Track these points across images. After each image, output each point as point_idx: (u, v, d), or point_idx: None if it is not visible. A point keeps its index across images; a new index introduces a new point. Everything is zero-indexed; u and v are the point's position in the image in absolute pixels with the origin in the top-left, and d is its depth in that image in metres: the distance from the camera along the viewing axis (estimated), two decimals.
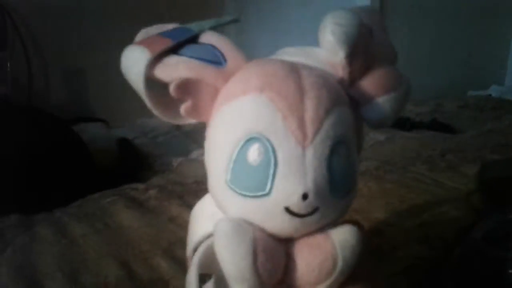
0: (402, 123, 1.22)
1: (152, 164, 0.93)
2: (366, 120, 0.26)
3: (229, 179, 0.23)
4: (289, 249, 0.24)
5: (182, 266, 0.44)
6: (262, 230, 0.23)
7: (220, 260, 0.22)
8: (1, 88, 1.37)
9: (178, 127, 1.28)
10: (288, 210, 0.22)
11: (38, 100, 1.52)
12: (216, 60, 0.25)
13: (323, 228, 0.24)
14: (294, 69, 0.24)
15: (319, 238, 0.24)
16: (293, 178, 0.22)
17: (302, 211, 0.22)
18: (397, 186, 0.74)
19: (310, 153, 0.22)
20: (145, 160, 0.96)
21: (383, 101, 0.25)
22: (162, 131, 1.23)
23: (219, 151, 0.24)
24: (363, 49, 0.25)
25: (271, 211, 0.22)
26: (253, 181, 0.22)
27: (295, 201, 0.22)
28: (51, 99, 1.63)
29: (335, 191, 0.23)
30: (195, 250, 0.27)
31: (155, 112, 0.26)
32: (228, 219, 0.23)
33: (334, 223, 0.24)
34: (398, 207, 0.65)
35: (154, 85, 0.25)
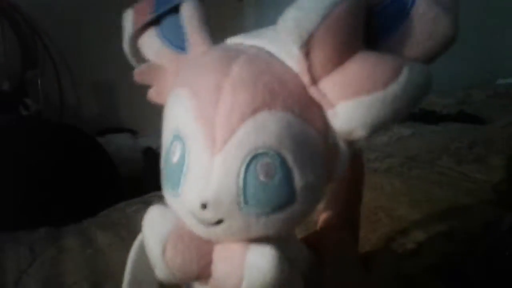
0: (428, 117, 1.20)
1: None
2: (335, 127, 0.20)
3: (162, 173, 0.23)
4: (214, 249, 0.23)
5: None
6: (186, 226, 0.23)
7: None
8: (33, 105, 1.42)
9: None
10: (193, 214, 0.21)
11: (69, 114, 1.57)
12: (181, 44, 0.24)
13: (251, 240, 0.21)
14: (228, 63, 0.21)
15: (235, 249, 0.21)
16: (196, 185, 0.20)
17: (205, 219, 0.21)
18: (423, 182, 0.72)
19: (218, 162, 0.20)
20: None
21: (350, 106, 0.19)
22: None
23: (162, 143, 0.24)
24: (334, 38, 0.18)
25: (183, 212, 0.22)
26: (172, 178, 0.22)
27: (195, 208, 0.20)
28: (81, 112, 1.68)
29: (247, 206, 0.20)
30: None
31: (136, 78, 0.26)
32: (156, 207, 0.24)
33: (269, 239, 0.21)
34: (423, 203, 0.64)
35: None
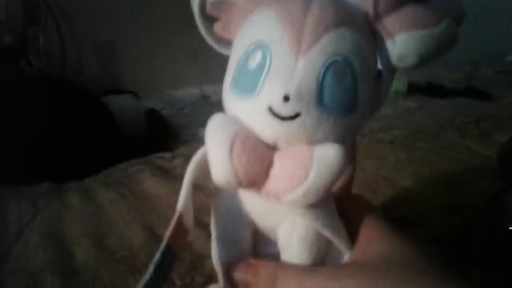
0: (435, 90, 1.18)
1: (179, 135, 0.94)
2: (388, 57, 0.25)
3: (233, 82, 0.25)
4: (275, 156, 0.24)
5: (206, 230, 0.45)
6: (250, 130, 0.25)
7: (207, 149, 0.24)
8: (35, 62, 1.40)
9: (205, 98, 1.28)
10: (271, 110, 0.23)
11: (71, 73, 1.56)
12: None
13: (315, 143, 0.24)
14: None
15: (301, 148, 0.24)
16: (280, 81, 0.23)
17: (283, 113, 0.23)
18: (427, 154, 0.72)
19: (301, 63, 0.23)
20: (172, 130, 0.97)
21: (407, 37, 0.24)
22: (189, 102, 1.24)
23: (232, 57, 0.26)
24: None
25: (257, 111, 0.24)
26: (249, 83, 0.24)
27: (276, 101, 0.23)
28: (83, 72, 1.67)
29: (323, 104, 0.23)
30: None
31: (206, 38, 0.29)
32: (221, 114, 0.26)
33: (320, 139, 0.24)
34: (427, 175, 0.64)
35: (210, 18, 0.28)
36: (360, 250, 0.27)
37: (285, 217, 0.27)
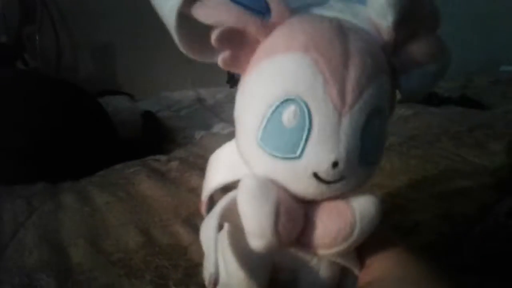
0: (430, 99, 1.19)
1: (174, 137, 0.94)
2: (402, 90, 0.25)
3: (260, 138, 0.22)
4: (309, 210, 0.24)
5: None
6: (286, 191, 0.23)
7: (242, 215, 0.22)
8: (30, 61, 1.39)
9: (201, 101, 1.29)
10: (316, 175, 0.22)
11: (66, 73, 1.55)
12: (259, 9, 0.23)
13: (344, 194, 0.24)
14: (342, 31, 0.22)
15: (340, 204, 0.23)
16: (326, 145, 0.21)
17: (330, 178, 0.22)
18: (422, 162, 0.72)
19: (346, 121, 0.21)
20: (168, 133, 0.97)
21: (424, 72, 0.24)
22: (185, 104, 1.24)
23: (253, 108, 0.23)
24: (411, 14, 0.23)
25: (299, 175, 0.22)
26: (285, 143, 0.22)
27: (325, 168, 0.21)
28: (78, 72, 1.66)
29: (363, 161, 0.22)
30: (211, 196, 0.28)
31: (181, 48, 0.24)
32: (254, 176, 0.23)
33: (353, 190, 0.24)
34: (421, 183, 0.64)
35: (184, 20, 0.23)
36: (369, 271, 0.27)
37: (312, 259, 0.26)
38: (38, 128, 0.68)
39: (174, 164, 0.71)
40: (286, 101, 0.21)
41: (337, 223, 0.23)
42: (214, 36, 0.22)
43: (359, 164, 0.22)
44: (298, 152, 0.22)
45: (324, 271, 0.26)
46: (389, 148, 0.80)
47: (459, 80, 1.44)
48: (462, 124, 0.95)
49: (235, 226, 0.25)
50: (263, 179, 0.23)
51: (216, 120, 1.02)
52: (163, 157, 0.75)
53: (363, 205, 0.23)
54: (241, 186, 0.23)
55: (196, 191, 0.59)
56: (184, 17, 0.23)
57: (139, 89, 1.52)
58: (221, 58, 0.23)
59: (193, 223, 0.50)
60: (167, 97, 1.32)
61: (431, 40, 0.24)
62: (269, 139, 0.22)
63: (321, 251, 0.24)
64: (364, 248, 0.27)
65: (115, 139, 0.82)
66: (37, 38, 1.46)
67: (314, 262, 0.26)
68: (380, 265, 0.26)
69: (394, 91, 0.25)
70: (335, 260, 0.26)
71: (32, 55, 1.41)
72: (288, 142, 0.22)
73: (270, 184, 0.23)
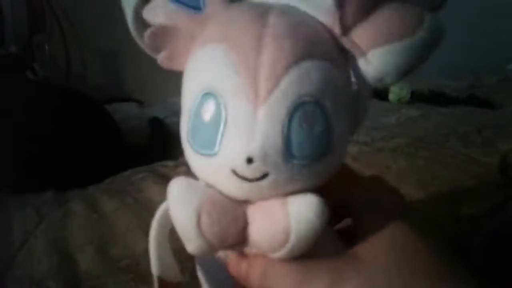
0: (438, 99, 1.19)
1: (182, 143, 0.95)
2: (363, 76, 0.22)
3: (188, 135, 0.22)
4: (247, 210, 0.22)
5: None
6: (217, 190, 0.22)
7: (172, 220, 0.22)
8: (40, 71, 1.41)
9: None
10: (235, 172, 0.20)
11: (76, 82, 1.57)
12: (195, 4, 0.23)
13: (288, 194, 0.21)
14: (262, 16, 0.21)
15: (274, 205, 0.21)
16: (240, 140, 0.20)
17: (249, 176, 0.20)
18: (429, 162, 0.72)
19: (262, 114, 0.19)
20: (175, 139, 0.97)
21: (382, 52, 0.20)
22: None
23: (184, 105, 0.23)
24: None
25: (219, 172, 0.21)
26: (205, 138, 0.21)
27: (239, 164, 0.20)
28: (88, 80, 1.68)
29: (292, 158, 0.20)
30: None
31: (139, 42, 0.24)
32: (181, 178, 0.22)
33: (303, 191, 0.22)
34: (429, 184, 0.64)
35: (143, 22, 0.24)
36: (363, 245, 0.23)
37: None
38: (47, 136, 0.69)
39: (181, 169, 0.72)
40: (205, 95, 0.21)
41: (270, 227, 0.21)
42: (145, 36, 0.23)
43: (284, 161, 0.20)
44: (216, 149, 0.20)
45: None
46: (397, 149, 0.80)
47: (467, 80, 1.43)
48: (470, 124, 0.94)
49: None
50: (189, 180, 0.22)
51: None
52: (170, 163, 0.76)
53: (300, 208, 0.21)
54: (168, 187, 0.22)
55: None
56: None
57: (147, 96, 1.53)
58: (159, 58, 0.24)
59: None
60: (174, 103, 1.32)
61: (392, 14, 0.20)
62: (194, 135, 0.22)
63: (268, 254, 0.22)
64: (361, 220, 0.25)
65: (122, 146, 0.83)
66: (46, 47, 1.48)
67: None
68: (384, 243, 0.23)
69: (357, 78, 0.22)
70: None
71: (41, 65, 1.43)
72: (207, 138, 0.21)
73: (197, 185, 0.22)
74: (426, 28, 0.20)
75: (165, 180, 0.67)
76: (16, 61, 1.31)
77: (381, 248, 0.23)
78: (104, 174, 0.72)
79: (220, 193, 0.22)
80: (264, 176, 0.20)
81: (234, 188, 0.21)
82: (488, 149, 0.79)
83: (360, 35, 0.21)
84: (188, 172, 0.68)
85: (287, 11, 0.21)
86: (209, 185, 0.22)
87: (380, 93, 1.26)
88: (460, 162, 0.73)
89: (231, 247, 0.22)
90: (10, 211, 0.56)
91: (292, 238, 0.20)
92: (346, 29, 0.21)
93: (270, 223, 0.21)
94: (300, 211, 0.21)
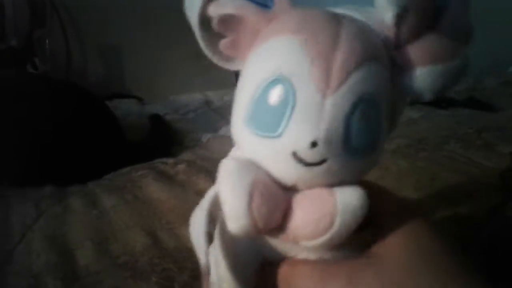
0: (438, 101, 1.19)
1: (182, 140, 0.95)
2: (404, 89, 0.24)
3: (246, 117, 0.23)
4: (291, 198, 0.23)
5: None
6: (268, 174, 0.23)
7: (220, 197, 0.22)
8: (40, 65, 1.41)
9: (208, 104, 1.29)
10: (295, 155, 0.22)
11: (76, 77, 1.56)
12: (264, 3, 0.25)
13: (331, 186, 0.23)
14: (335, 18, 0.23)
15: (322, 193, 0.23)
16: (307, 124, 0.21)
17: (309, 159, 0.22)
18: (429, 164, 0.72)
19: (329, 103, 0.21)
20: (175, 136, 0.98)
21: (426, 72, 0.23)
22: (192, 107, 1.24)
23: (245, 89, 0.24)
24: (418, 12, 0.22)
25: (279, 154, 0.22)
26: (268, 121, 0.22)
27: (303, 147, 0.21)
28: (88, 76, 1.67)
29: (349, 147, 0.22)
30: None
31: (206, 52, 0.26)
32: (234, 158, 0.24)
33: (341, 181, 0.23)
34: (429, 185, 0.64)
35: (210, 29, 0.25)
36: (381, 244, 0.24)
37: (302, 251, 0.26)
38: (47, 131, 0.69)
39: (181, 167, 0.72)
40: (274, 81, 0.22)
41: (317, 212, 0.22)
42: (215, 19, 0.24)
43: (343, 150, 0.22)
44: (280, 130, 0.22)
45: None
46: (397, 150, 0.80)
47: (468, 82, 1.43)
48: (470, 126, 0.94)
49: (222, 220, 0.25)
50: (244, 160, 0.23)
51: (224, 123, 1.02)
52: (170, 160, 0.76)
53: (346, 196, 0.22)
54: (221, 167, 0.23)
55: (203, 193, 0.58)
56: (210, 26, 0.25)
57: (148, 93, 1.53)
58: (222, 42, 0.25)
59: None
60: (175, 100, 1.32)
61: (438, 40, 0.23)
62: (255, 118, 0.23)
63: (304, 243, 0.23)
64: (381, 214, 0.25)
65: (123, 142, 0.83)
66: (47, 41, 1.48)
67: (303, 255, 0.25)
68: (394, 237, 0.24)
69: (399, 92, 0.24)
70: (324, 256, 0.24)
71: (42, 59, 1.43)
72: (271, 121, 0.22)
73: (250, 166, 0.23)
74: (460, 60, 0.23)
75: (165, 177, 0.67)
76: (16, 55, 1.31)
77: (399, 248, 0.23)
78: (104, 170, 0.72)
79: (269, 177, 0.23)
80: (322, 162, 0.22)
81: (288, 171, 0.23)
82: (488, 152, 0.79)
83: (411, 52, 0.23)
84: (188, 170, 0.68)
85: (355, 19, 0.24)
86: (260, 168, 0.23)
87: None
88: (459, 164, 0.73)
89: (270, 232, 0.23)
90: (9, 206, 0.56)
91: (337, 224, 0.22)
92: (399, 44, 0.23)
93: (318, 208, 0.22)
94: (348, 199, 0.22)
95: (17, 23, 1.34)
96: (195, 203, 0.27)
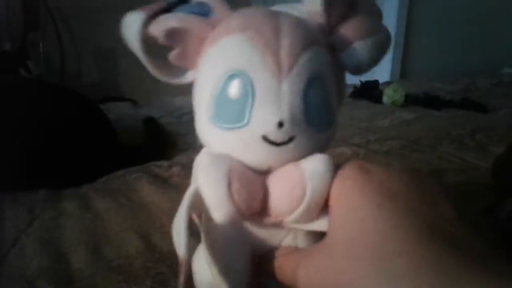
0: (432, 102, 1.19)
1: (176, 143, 0.94)
2: (345, 66, 0.28)
3: (211, 115, 0.25)
4: (265, 181, 0.25)
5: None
6: (241, 162, 0.25)
7: (201, 191, 0.24)
8: (34, 69, 1.41)
9: None
10: (265, 138, 0.24)
11: (70, 80, 1.56)
12: (203, 12, 0.27)
13: (298, 160, 0.25)
14: (272, 14, 0.26)
15: (290, 168, 0.25)
16: (269, 108, 0.23)
17: (279, 139, 0.24)
18: (423, 165, 0.72)
19: (285, 85, 0.24)
20: (169, 139, 0.98)
21: (360, 46, 0.27)
22: (187, 110, 1.24)
23: (203, 89, 0.26)
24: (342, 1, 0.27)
25: (250, 141, 0.24)
26: (233, 113, 0.24)
27: (271, 129, 0.23)
28: (82, 79, 1.67)
29: (311, 122, 0.24)
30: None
31: (153, 72, 0.28)
32: (207, 154, 0.25)
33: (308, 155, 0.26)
34: None
35: (152, 50, 0.27)
36: (333, 230, 0.23)
37: (286, 236, 0.27)
38: (40, 135, 0.69)
39: (175, 169, 0.72)
40: (230, 77, 0.24)
41: (288, 184, 0.24)
42: (161, 34, 0.26)
43: (306, 125, 0.24)
44: (246, 119, 0.24)
45: (302, 245, 0.27)
46: (390, 151, 0.80)
47: (462, 83, 1.44)
48: (464, 127, 0.95)
49: (206, 216, 0.26)
50: (215, 153, 0.25)
51: None
52: (164, 163, 0.75)
53: (311, 164, 0.24)
54: (197, 164, 0.25)
55: (180, 187, 0.59)
56: (150, 45, 0.27)
57: (142, 95, 1.52)
58: (171, 55, 0.27)
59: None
60: (169, 103, 1.32)
61: (361, 19, 0.27)
62: (219, 113, 0.25)
63: (286, 219, 0.25)
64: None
65: (117, 145, 0.83)
66: (41, 45, 1.48)
67: (289, 238, 0.27)
68: (340, 222, 0.23)
69: (339, 69, 0.28)
70: (307, 229, 0.26)
71: (35, 62, 1.42)
72: (235, 112, 0.24)
73: (224, 157, 0.25)
74: (385, 32, 0.28)
75: (159, 180, 0.67)
76: (10, 58, 1.31)
77: (342, 234, 0.23)
78: (98, 173, 0.72)
79: (242, 164, 0.25)
80: (290, 139, 0.24)
81: (261, 155, 0.25)
82: (481, 152, 0.79)
83: (344, 32, 0.27)
84: (182, 173, 0.68)
85: (289, 14, 0.26)
86: (232, 159, 0.25)
87: (374, 96, 1.26)
88: (453, 165, 0.73)
89: (253, 217, 0.25)
90: (2, 210, 0.55)
91: (308, 192, 0.24)
92: (332, 29, 0.27)
93: (288, 181, 0.24)
94: (312, 167, 0.24)
95: (11, 26, 1.34)
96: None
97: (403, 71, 1.94)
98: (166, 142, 0.96)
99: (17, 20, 1.36)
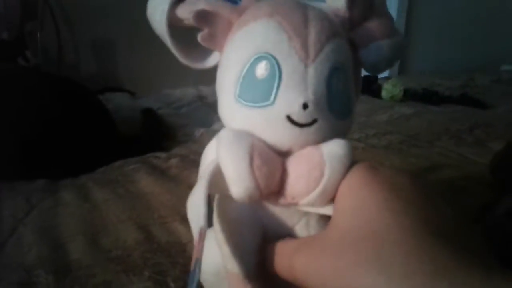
0: (431, 97, 1.19)
1: (175, 134, 0.94)
2: (363, 63, 0.29)
3: (237, 93, 0.26)
4: (285, 162, 0.25)
5: None
6: (263, 141, 0.25)
7: (221, 165, 0.24)
8: (32, 58, 1.39)
9: (201, 99, 1.28)
10: (289, 118, 0.24)
11: (68, 71, 1.55)
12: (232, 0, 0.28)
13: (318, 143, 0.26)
14: (300, 4, 0.27)
15: (310, 150, 0.25)
16: (295, 89, 0.24)
17: (302, 120, 0.24)
18: (421, 160, 0.72)
19: (311, 70, 0.25)
20: (168, 130, 0.97)
21: (380, 45, 0.28)
22: (185, 102, 1.24)
23: (230, 70, 0.26)
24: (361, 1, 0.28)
25: (274, 120, 0.25)
26: (259, 93, 0.25)
27: (296, 110, 0.24)
28: (80, 69, 1.66)
29: (332, 109, 0.25)
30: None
31: (177, 54, 0.29)
32: (228, 129, 0.26)
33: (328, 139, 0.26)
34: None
35: (177, 34, 0.28)
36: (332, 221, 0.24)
37: (299, 221, 0.27)
38: (38, 124, 0.68)
39: (174, 161, 0.71)
40: (257, 58, 0.25)
41: (307, 165, 0.24)
42: (191, 14, 0.27)
43: (328, 110, 0.25)
44: (272, 99, 0.25)
45: (314, 230, 0.27)
46: (389, 146, 0.80)
47: (461, 79, 1.44)
48: (462, 123, 0.95)
49: (222, 196, 0.26)
50: (239, 130, 0.26)
51: (217, 117, 1.02)
52: (163, 154, 0.75)
53: (331, 147, 0.25)
54: (219, 139, 0.25)
55: (184, 181, 0.59)
56: (176, 29, 0.28)
57: (140, 86, 1.52)
58: (200, 35, 0.27)
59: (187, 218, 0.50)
60: (168, 94, 1.32)
61: (382, 21, 0.29)
62: (245, 92, 0.25)
63: (301, 201, 0.25)
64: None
65: (115, 136, 0.82)
66: (38, 34, 1.46)
67: (302, 222, 0.27)
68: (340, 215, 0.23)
69: (357, 65, 0.29)
70: (321, 212, 0.26)
71: (33, 52, 1.41)
72: (262, 92, 0.25)
73: (246, 134, 0.25)
74: (400, 36, 0.29)
75: (157, 171, 0.67)
76: (7, 48, 1.30)
77: (336, 226, 0.23)
78: (96, 163, 0.72)
79: (263, 142, 0.25)
80: (313, 122, 0.25)
81: (283, 135, 0.25)
82: (479, 148, 0.79)
83: (362, 32, 0.28)
84: (181, 164, 0.68)
85: (314, 6, 0.28)
86: (255, 136, 0.25)
87: (373, 91, 1.26)
88: (451, 160, 0.73)
89: (270, 197, 0.25)
90: (0, 199, 0.55)
91: (327, 173, 0.24)
92: (353, 25, 0.28)
93: (307, 162, 0.25)
94: (333, 150, 0.25)
95: (8, 16, 1.32)
96: (188, 197, 0.27)
97: (401, 69, 1.94)
98: (164, 133, 0.95)
99: (14, 9, 1.35)
